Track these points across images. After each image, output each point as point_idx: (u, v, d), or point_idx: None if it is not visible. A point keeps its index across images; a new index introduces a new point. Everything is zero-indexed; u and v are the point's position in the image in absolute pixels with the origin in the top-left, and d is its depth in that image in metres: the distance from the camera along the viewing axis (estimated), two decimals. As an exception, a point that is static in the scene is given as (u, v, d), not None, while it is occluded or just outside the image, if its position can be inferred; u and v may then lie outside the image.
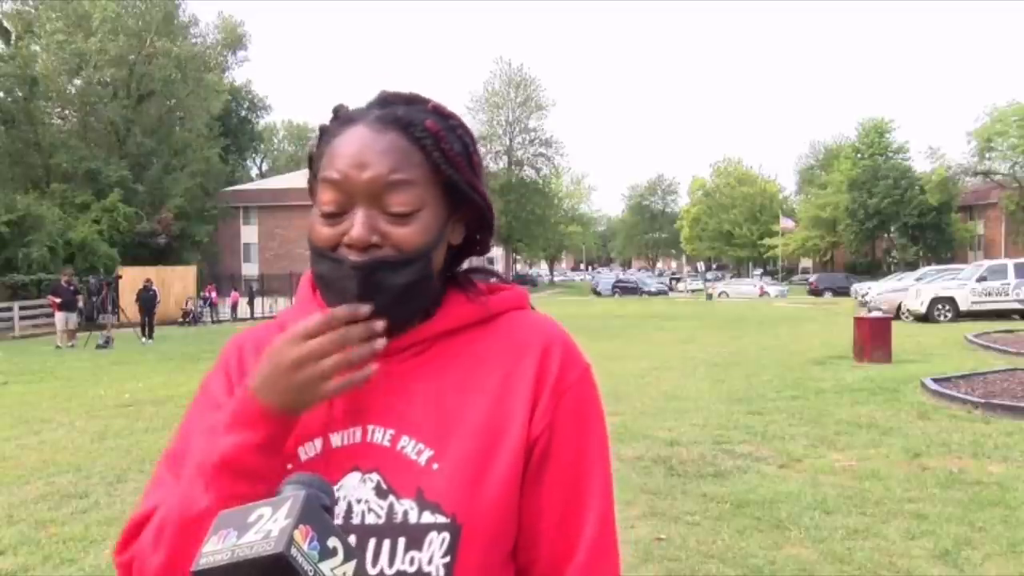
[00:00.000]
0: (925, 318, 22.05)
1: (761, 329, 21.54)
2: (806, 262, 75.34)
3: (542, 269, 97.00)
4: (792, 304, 39.00)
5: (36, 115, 36.59)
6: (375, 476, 0.88)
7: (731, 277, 74.08)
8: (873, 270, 54.05)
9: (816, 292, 48.71)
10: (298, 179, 57.47)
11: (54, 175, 36.82)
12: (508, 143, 63.55)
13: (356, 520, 0.86)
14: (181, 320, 28.02)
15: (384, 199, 0.88)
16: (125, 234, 35.69)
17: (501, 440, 0.90)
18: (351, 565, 0.70)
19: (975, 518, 4.95)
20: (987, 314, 21.63)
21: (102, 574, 4.39)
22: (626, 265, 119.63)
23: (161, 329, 21.64)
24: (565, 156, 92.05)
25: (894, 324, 13.79)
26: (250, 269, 50.57)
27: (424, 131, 0.90)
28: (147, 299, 21.38)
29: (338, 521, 0.84)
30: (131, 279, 25.31)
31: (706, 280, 66.84)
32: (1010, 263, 23.12)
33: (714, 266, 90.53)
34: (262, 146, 79.44)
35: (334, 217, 0.89)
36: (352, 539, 0.82)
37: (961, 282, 23.04)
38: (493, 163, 61.65)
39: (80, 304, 21.46)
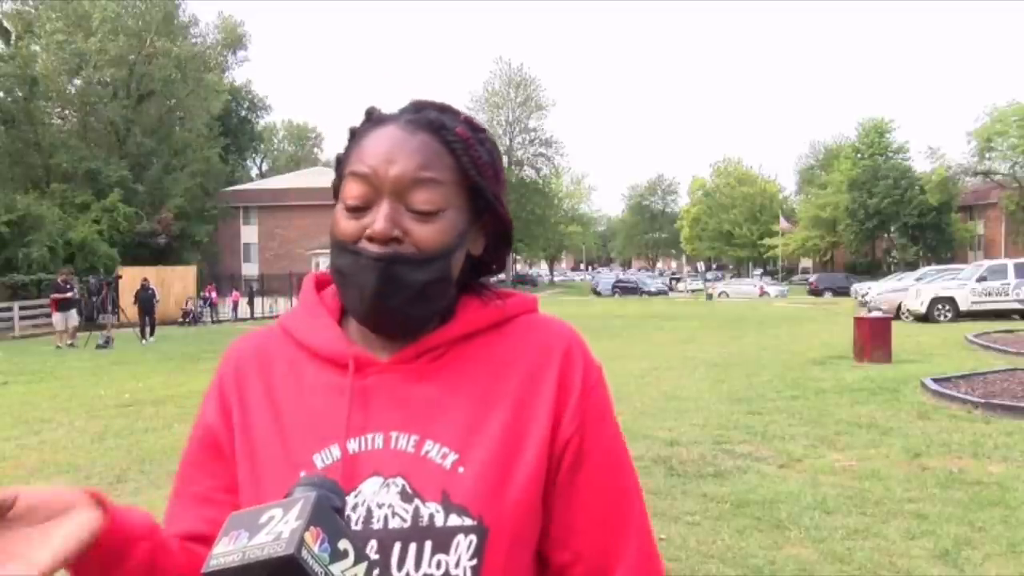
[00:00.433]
0: (925, 318, 22.05)
1: (761, 329, 21.53)
2: (806, 262, 75.34)
3: (542, 269, 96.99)
4: (792, 304, 39.00)
5: (36, 115, 36.59)
6: (399, 480, 0.87)
7: (731, 277, 74.11)
8: (873, 270, 54.06)
9: (816, 292, 48.71)
10: (298, 179, 57.66)
11: (54, 175, 36.83)
12: (508, 143, 63.56)
13: (378, 525, 0.85)
14: (181, 320, 28.02)
15: (409, 195, 0.88)
16: (125, 234, 35.70)
17: (525, 442, 0.90)
18: (362, 567, 0.70)
19: (975, 518, 4.95)
20: (987, 314, 21.62)
21: (102, 574, 4.38)
22: (626, 265, 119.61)
23: (161, 329, 21.64)
24: (565, 156, 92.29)
25: (894, 324, 13.78)
26: (250, 269, 50.58)
27: (455, 136, 0.91)
28: (145, 299, 21.37)
29: (358, 526, 0.84)
30: (131, 279, 25.32)
31: (706, 280, 66.84)
32: (1010, 263, 23.12)
33: (714, 266, 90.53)
34: (262, 146, 79.48)
35: (358, 211, 0.90)
36: (373, 544, 0.83)
37: (961, 282, 23.04)
38: (493, 163, 61.57)
39: (77, 302, 21.43)
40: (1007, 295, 22.11)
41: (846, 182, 56.89)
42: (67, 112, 40.67)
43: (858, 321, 13.21)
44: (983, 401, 8.34)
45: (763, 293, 49.84)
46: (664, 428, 7.72)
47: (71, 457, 7.19)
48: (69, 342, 19.19)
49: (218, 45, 49.18)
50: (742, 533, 4.77)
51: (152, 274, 24.96)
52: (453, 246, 0.91)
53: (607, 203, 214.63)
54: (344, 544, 0.69)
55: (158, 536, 0.87)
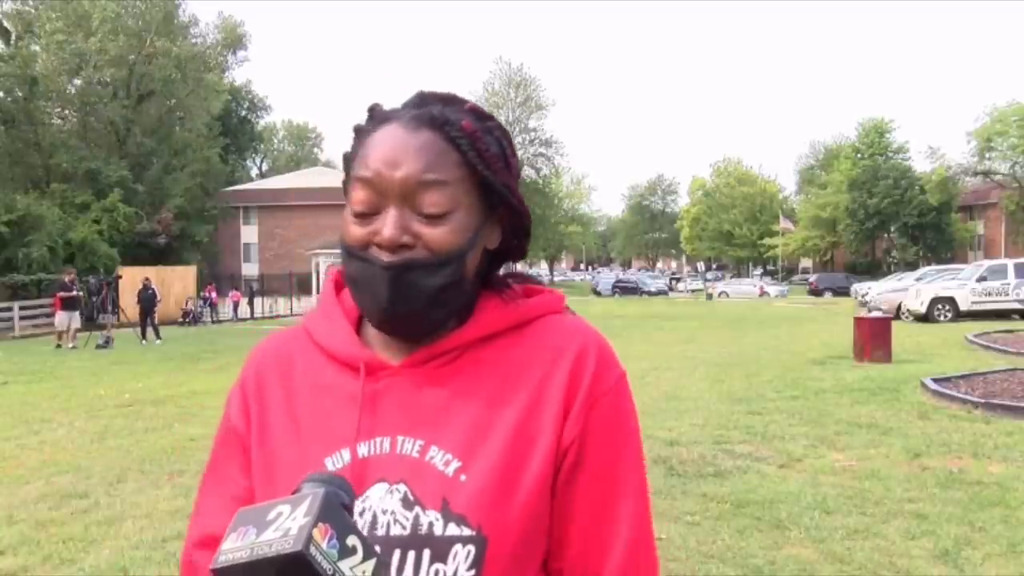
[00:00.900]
0: (925, 318, 22.05)
1: (761, 329, 21.54)
2: (806, 262, 75.36)
3: (542, 269, 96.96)
4: (792, 304, 39.01)
5: (36, 115, 36.60)
6: (402, 487, 0.86)
7: (731, 277, 74.13)
8: (873, 270, 54.07)
9: (816, 292, 48.74)
10: (298, 179, 57.69)
11: (54, 175, 36.84)
12: (508, 143, 63.47)
13: (381, 531, 0.85)
14: (181, 320, 28.03)
15: (417, 199, 0.86)
16: (125, 234, 35.71)
17: (531, 450, 0.87)
18: (370, 564, 0.69)
19: (975, 518, 4.95)
20: (987, 314, 21.63)
21: (102, 574, 4.39)
22: (626, 265, 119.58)
23: (161, 329, 21.64)
24: (565, 156, 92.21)
25: (894, 324, 13.78)
26: (250, 269, 50.58)
27: (460, 131, 0.88)
28: (147, 299, 21.40)
29: (363, 532, 0.84)
30: (131, 279, 25.31)
31: (706, 280, 66.86)
32: (1010, 263, 23.13)
33: (714, 266, 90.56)
34: (262, 146, 79.51)
35: (366, 217, 0.88)
36: (376, 549, 0.83)
37: (961, 282, 23.05)
38: (493, 163, 61.62)
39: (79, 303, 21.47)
40: (1007, 295, 22.12)
41: (846, 182, 56.91)
42: (67, 112, 40.67)
43: (858, 321, 13.21)
44: (983, 401, 8.34)
45: (763, 293, 49.87)
46: (664, 428, 7.72)
47: (71, 457, 7.19)
48: (71, 344, 19.17)
49: (218, 45, 49.16)
50: (742, 533, 4.77)
51: (152, 274, 24.95)
52: (466, 246, 0.89)
53: (607, 203, 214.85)
54: (352, 540, 0.69)
55: None
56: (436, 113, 0.89)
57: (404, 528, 0.84)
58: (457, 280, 0.89)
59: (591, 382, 0.90)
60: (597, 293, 58.06)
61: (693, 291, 59.08)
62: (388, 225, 0.86)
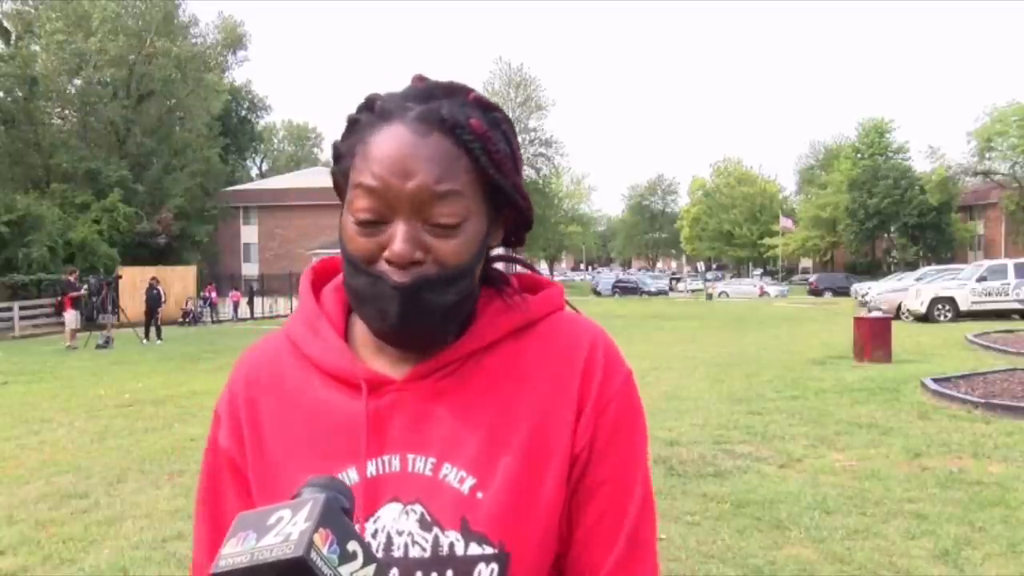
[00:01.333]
0: (925, 318, 22.06)
1: (761, 329, 21.55)
2: (806, 262, 75.38)
3: (542, 269, 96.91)
4: (792, 304, 39.01)
5: (36, 115, 36.63)
6: (418, 508, 0.83)
7: (731, 277, 74.14)
8: (873, 270, 54.08)
9: (816, 292, 48.74)
10: (298, 179, 57.68)
11: (54, 175, 36.86)
12: (508, 143, 63.50)
13: (399, 553, 0.82)
14: (181, 320, 28.04)
15: (429, 210, 0.80)
16: (125, 234, 35.74)
17: (547, 461, 0.85)
18: (371, 569, 0.69)
19: (975, 518, 4.95)
20: (987, 314, 21.64)
21: (102, 574, 4.39)
22: (626, 265, 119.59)
23: (162, 329, 21.64)
24: (565, 156, 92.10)
25: (894, 324, 13.79)
26: (250, 269, 50.61)
27: (471, 134, 0.82)
28: (151, 298, 21.44)
29: (379, 554, 0.83)
30: (131, 279, 25.30)
31: (706, 280, 66.86)
32: (1010, 263, 23.14)
33: (714, 266, 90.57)
34: (262, 146, 79.58)
35: (371, 226, 0.82)
36: (395, 572, 0.82)
37: (961, 282, 23.05)
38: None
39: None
40: (1007, 295, 22.13)
41: (846, 182, 56.92)
42: (67, 112, 40.68)
43: (858, 321, 13.21)
44: (983, 401, 8.34)
45: (763, 293, 49.88)
46: (664, 428, 7.72)
47: (71, 457, 7.19)
48: (72, 344, 19.18)
49: (218, 45, 49.18)
50: (742, 533, 4.77)
51: (153, 274, 24.98)
52: (477, 257, 0.85)
53: (607, 203, 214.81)
54: (353, 546, 0.68)
55: None
56: (445, 114, 0.82)
57: (424, 550, 0.82)
58: (469, 295, 0.86)
59: (601, 386, 0.88)
60: (597, 293, 58.06)
61: (693, 291, 59.09)
62: (399, 241, 0.80)
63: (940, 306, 22.38)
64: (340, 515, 0.69)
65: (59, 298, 22.27)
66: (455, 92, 0.86)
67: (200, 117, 44.88)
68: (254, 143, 72.87)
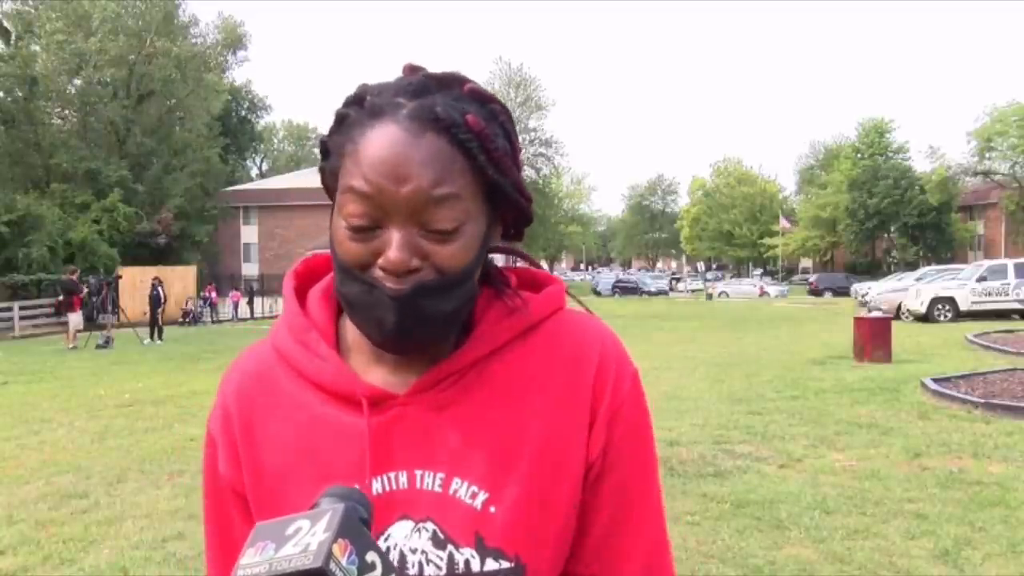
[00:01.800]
0: (925, 318, 22.06)
1: (761, 329, 21.54)
2: (806, 262, 75.38)
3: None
4: (792, 304, 39.01)
5: (36, 115, 36.62)
6: (430, 525, 0.81)
7: (731, 277, 74.16)
8: (873, 270, 54.09)
9: (816, 292, 48.75)
10: (298, 179, 57.63)
11: (54, 175, 36.86)
12: (508, 143, 63.49)
13: (413, 571, 0.80)
14: (181, 320, 28.04)
15: (425, 216, 0.76)
16: (125, 234, 35.73)
17: (559, 471, 0.83)
18: None
19: (975, 518, 4.95)
20: (987, 314, 21.64)
21: (101, 574, 4.39)
22: (626, 265, 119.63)
23: (163, 329, 21.65)
24: (565, 156, 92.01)
25: (894, 324, 13.79)
26: (250, 269, 50.63)
27: (468, 132, 0.77)
28: (152, 298, 21.45)
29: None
30: (131, 279, 25.29)
31: (706, 280, 66.86)
32: (1010, 263, 23.14)
33: (714, 266, 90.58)
34: (262, 146, 79.61)
35: (364, 231, 0.77)
36: (395, 565, 0.80)
37: (961, 282, 23.06)
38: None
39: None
40: (1007, 295, 22.13)
41: (846, 182, 56.93)
42: (67, 112, 40.67)
43: (858, 321, 13.21)
44: (983, 401, 8.34)
45: (763, 293, 49.91)
46: (664, 428, 7.71)
47: (71, 457, 7.19)
48: (72, 344, 19.19)
49: (218, 45, 49.14)
50: (742, 533, 4.77)
51: (154, 274, 24.98)
52: (477, 262, 0.81)
53: (607, 203, 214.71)
54: (372, 556, 0.68)
55: None
56: (440, 112, 0.77)
57: (440, 568, 0.80)
58: (469, 301, 0.82)
59: (613, 391, 0.86)
60: (597, 293, 58.01)
61: (693, 291, 59.09)
62: (395, 248, 0.76)
63: (940, 306, 22.38)
64: (359, 526, 0.69)
65: (60, 298, 22.26)
66: (450, 84, 0.81)
67: (200, 117, 44.87)
68: (254, 143, 72.89)
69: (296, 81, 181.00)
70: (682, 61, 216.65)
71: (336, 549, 0.65)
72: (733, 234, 75.00)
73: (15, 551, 4.78)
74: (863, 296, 30.31)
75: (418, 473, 0.82)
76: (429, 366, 0.84)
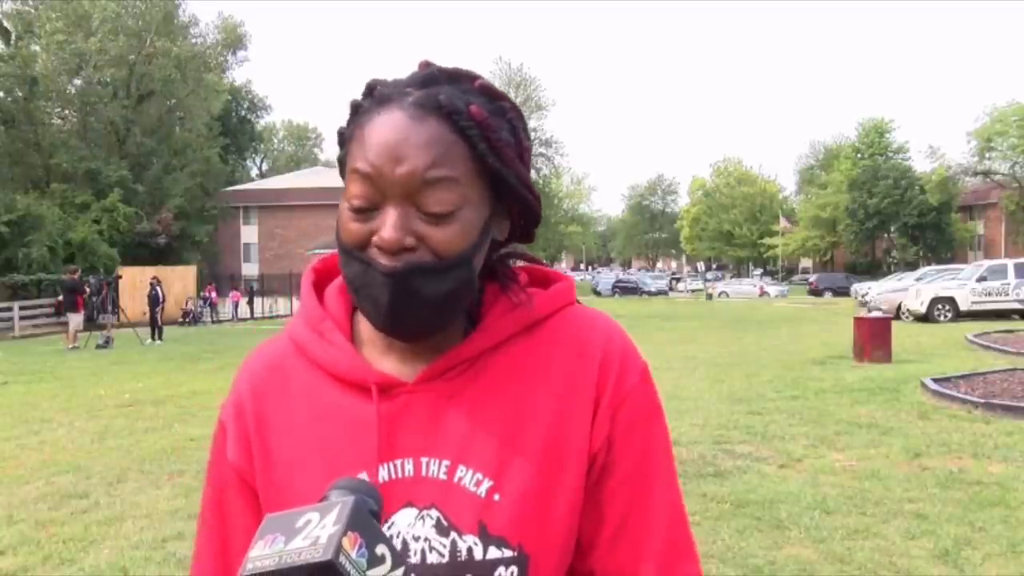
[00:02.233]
0: (925, 318, 22.06)
1: (761, 329, 21.54)
2: (806, 262, 75.40)
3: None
4: (792, 304, 39.01)
5: (36, 115, 36.66)
6: (434, 512, 0.82)
7: (731, 277, 74.16)
8: (873, 270, 54.09)
9: (816, 292, 48.74)
10: (298, 179, 57.70)
11: (54, 175, 36.88)
12: (508, 143, 63.56)
13: (415, 559, 0.80)
14: (181, 320, 28.05)
15: (421, 197, 0.78)
16: (125, 234, 35.76)
17: (564, 460, 0.84)
18: (399, 572, 0.69)
19: (975, 518, 4.95)
20: (987, 314, 21.64)
21: (101, 574, 4.39)
22: (626, 265, 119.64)
23: (162, 329, 21.66)
24: (565, 156, 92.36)
25: (894, 324, 13.79)
26: (250, 269, 50.62)
27: (469, 120, 0.79)
28: (150, 298, 21.46)
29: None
30: (131, 279, 25.30)
31: (706, 280, 66.87)
32: (1010, 263, 23.14)
33: (714, 266, 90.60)
34: (262, 146, 79.60)
35: (364, 212, 0.80)
36: (406, 560, 0.80)
37: (961, 282, 23.05)
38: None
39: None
40: (1007, 295, 22.13)
41: (846, 182, 56.93)
42: (67, 112, 40.71)
43: (858, 321, 13.21)
44: (983, 401, 8.34)
45: (763, 293, 49.90)
46: (664, 428, 7.71)
47: (71, 457, 7.19)
48: (72, 344, 19.19)
49: (218, 45, 49.18)
50: (742, 533, 4.77)
51: (153, 274, 24.99)
52: (475, 246, 0.82)
53: (607, 203, 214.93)
54: (381, 549, 0.68)
55: None
56: (443, 99, 0.79)
57: (442, 555, 0.80)
58: (465, 284, 0.82)
59: (617, 382, 0.86)
60: (597, 293, 58.00)
61: (693, 291, 59.09)
62: (388, 226, 0.78)
63: (940, 306, 22.38)
64: (369, 518, 0.69)
65: (61, 298, 22.26)
66: (459, 78, 0.84)
67: (200, 117, 44.90)
68: (254, 143, 72.88)
69: (296, 81, 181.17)
70: (682, 61, 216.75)
71: (346, 542, 0.66)
72: (733, 234, 75.01)
73: (15, 551, 4.78)
74: (863, 296, 30.31)
75: (424, 460, 0.84)
76: (437, 356, 0.86)
